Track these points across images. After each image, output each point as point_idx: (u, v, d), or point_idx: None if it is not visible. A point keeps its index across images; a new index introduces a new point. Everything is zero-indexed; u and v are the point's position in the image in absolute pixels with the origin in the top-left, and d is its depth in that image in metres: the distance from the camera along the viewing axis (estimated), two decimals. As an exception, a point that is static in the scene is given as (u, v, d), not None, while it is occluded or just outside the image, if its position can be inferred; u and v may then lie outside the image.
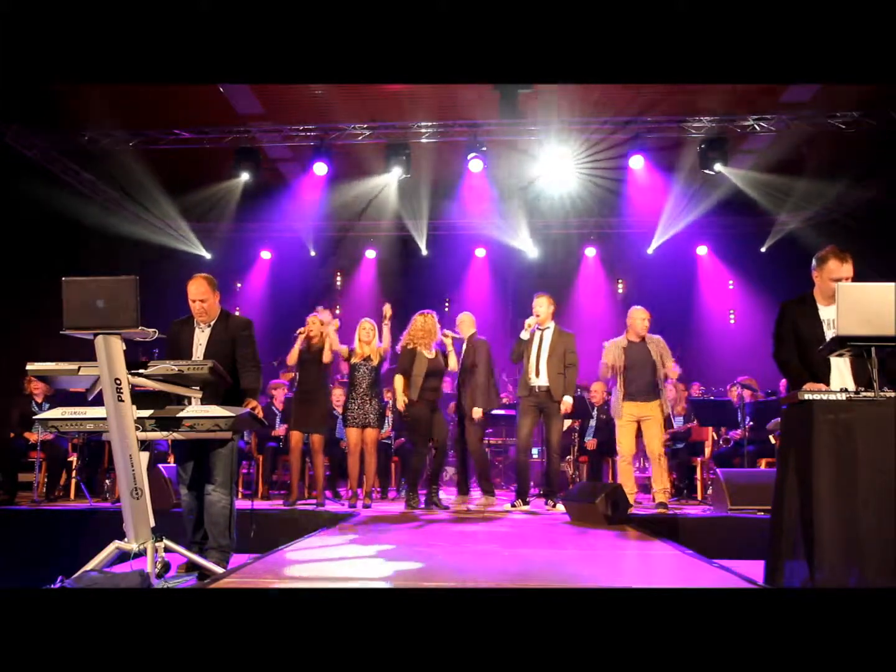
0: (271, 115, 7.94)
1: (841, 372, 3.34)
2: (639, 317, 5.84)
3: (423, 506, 5.76)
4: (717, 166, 7.91)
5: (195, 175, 8.98)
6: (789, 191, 9.03)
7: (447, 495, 6.40)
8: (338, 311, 6.19)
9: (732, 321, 10.61)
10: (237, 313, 5.41)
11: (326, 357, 5.89)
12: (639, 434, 5.77)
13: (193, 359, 3.84)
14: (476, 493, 6.45)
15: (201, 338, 3.95)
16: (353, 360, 5.92)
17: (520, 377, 5.96)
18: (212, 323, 3.96)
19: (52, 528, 5.32)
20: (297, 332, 5.94)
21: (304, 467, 6.75)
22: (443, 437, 5.78)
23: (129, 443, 3.16)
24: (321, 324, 5.97)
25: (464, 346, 6.18)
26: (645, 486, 7.17)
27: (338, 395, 7.10)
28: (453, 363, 5.86)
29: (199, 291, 3.89)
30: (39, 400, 6.72)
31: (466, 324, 6.27)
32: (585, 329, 8.26)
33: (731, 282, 10.64)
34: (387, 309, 5.91)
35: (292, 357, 5.91)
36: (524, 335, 5.84)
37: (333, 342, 5.87)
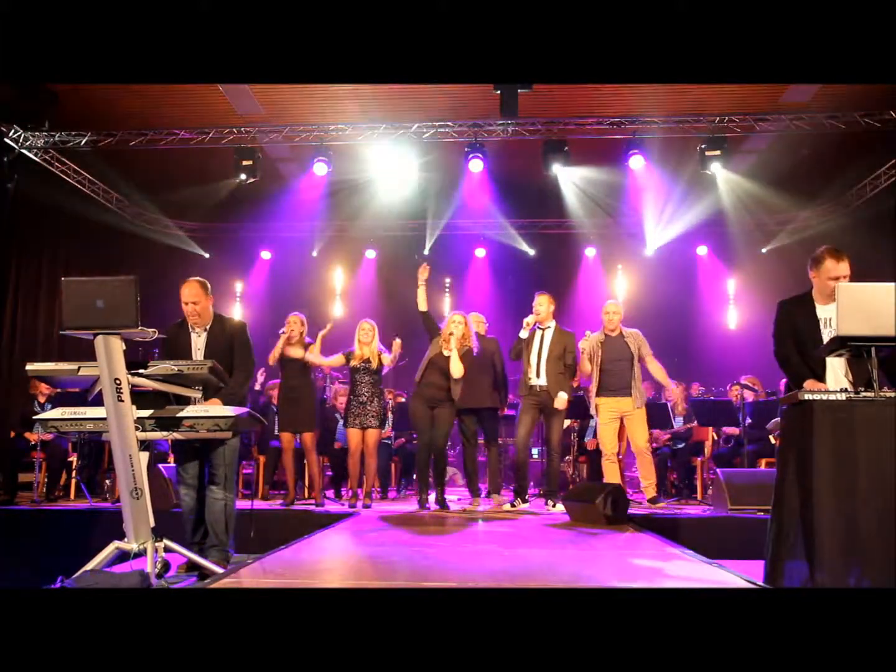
0: (271, 115, 7.94)
1: (836, 371, 3.35)
2: (607, 311, 5.86)
3: (435, 507, 5.73)
4: (716, 167, 7.91)
5: (195, 175, 8.98)
6: (777, 205, 9.09)
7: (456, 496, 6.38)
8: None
9: (733, 325, 10.59)
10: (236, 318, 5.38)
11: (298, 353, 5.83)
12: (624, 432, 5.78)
13: None
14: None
15: (199, 342, 3.97)
16: (353, 363, 5.90)
17: (520, 376, 5.96)
18: (207, 327, 3.97)
19: (52, 528, 5.32)
20: (281, 331, 5.89)
21: (302, 467, 6.75)
22: (438, 438, 5.65)
23: (129, 443, 3.16)
24: (301, 323, 5.94)
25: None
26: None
27: (340, 395, 7.09)
28: (453, 366, 5.51)
29: (192, 294, 3.90)
30: (42, 400, 6.72)
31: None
32: (585, 329, 8.24)
33: (730, 282, 10.65)
34: (396, 345, 5.88)
35: (273, 356, 5.83)
36: (523, 334, 5.84)
37: (315, 353, 5.82)
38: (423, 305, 5.80)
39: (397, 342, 5.88)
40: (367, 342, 5.88)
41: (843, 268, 3.39)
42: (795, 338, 3.44)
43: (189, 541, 3.89)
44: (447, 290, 11.04)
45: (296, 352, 5.80)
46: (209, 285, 3.99)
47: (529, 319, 5.82)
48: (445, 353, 5.62)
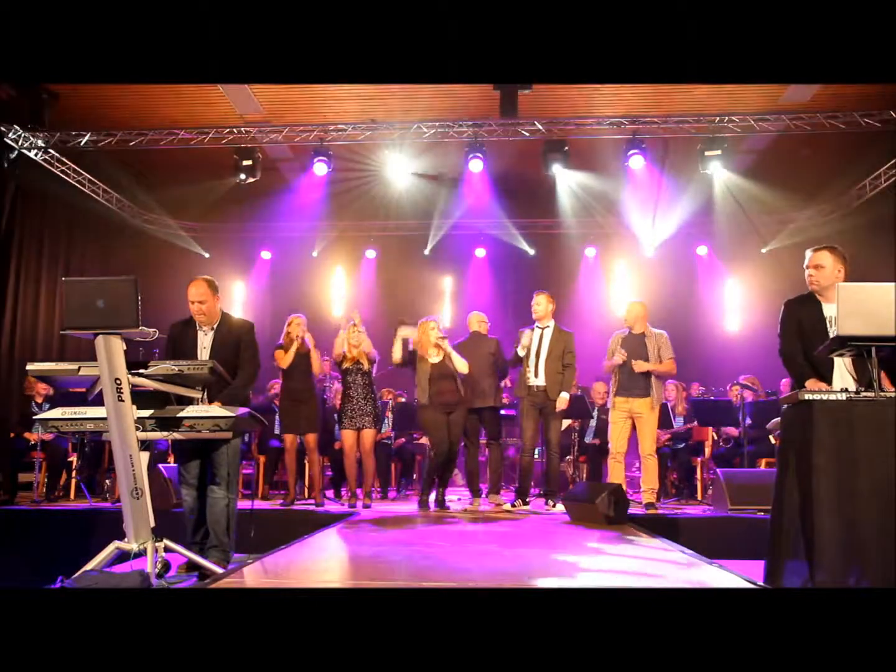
0: (271, 115, 7.94)
1: (842, 371, 3.35)
2: (626, 309, 5.84)
3: (435, 507, 5.72)
4: (715, 167, 7.91)
5: (195, 175, 8.98)
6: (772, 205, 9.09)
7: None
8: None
9: (733, 325, 10.58)
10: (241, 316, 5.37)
11: (317, 367, 5.93)
12: (634, 432, 5.74)
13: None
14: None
15: (205, 341, 3.96)
16: (345, 365, 5.91)
17: (518, 377, 5.94)
18: (215, 326, 3.97)
19: (52, 528, 5.32)
20: (301, 335, 5.84)
21: (303, 467, 6.75)
22: (453, 440, 5.64)
23: (129, 443, 3.16)
24: (303, 325, 5.94)
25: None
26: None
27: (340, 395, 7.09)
28: (460, 365, 5.61)
29: (199, 293, 3.90)
30: (39, 400, 6.72)
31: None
32: (585, 329, 8.25)
33: (730, 282, 10.64)
34: (354, 315, 5.90)
35: (287, 361, 5.79)
36: (520, 352, 5.80)
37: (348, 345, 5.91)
38: (397, 356, 5.76)
39: (355, 312, 5.97)
40: (356, 344, 5.90)
41: (817, 257, 3.41)
42: (802, 336, 3.42)
43: (189, 541, 3.89)
44: (447, 290, 11.03)
45: (287, 359, 5.79)
46: (216, 284, 3.99)
47: (525, 342, 5.78)
48: (434, 360, 5.63)
